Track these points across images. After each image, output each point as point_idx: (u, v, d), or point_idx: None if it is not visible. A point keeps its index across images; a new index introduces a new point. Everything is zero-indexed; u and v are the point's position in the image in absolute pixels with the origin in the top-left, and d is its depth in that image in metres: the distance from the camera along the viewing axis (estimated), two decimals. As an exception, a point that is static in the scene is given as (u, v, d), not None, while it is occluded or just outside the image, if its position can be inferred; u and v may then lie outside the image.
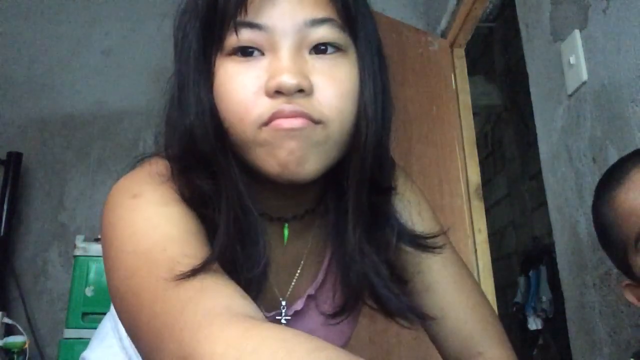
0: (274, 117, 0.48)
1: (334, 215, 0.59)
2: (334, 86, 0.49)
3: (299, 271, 0.61)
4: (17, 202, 2.26)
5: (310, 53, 0.50)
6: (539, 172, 1.39)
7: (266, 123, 0.48)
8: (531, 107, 1.39)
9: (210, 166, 0.51)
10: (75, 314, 1.79)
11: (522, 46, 1.43)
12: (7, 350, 1.91)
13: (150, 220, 0.47)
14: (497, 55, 4.12)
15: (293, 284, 0.61)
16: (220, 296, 0.41)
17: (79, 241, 1.91)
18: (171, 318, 0.40)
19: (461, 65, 2.28)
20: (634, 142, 0.95)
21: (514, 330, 3.42)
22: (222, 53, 0.50)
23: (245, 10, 0.48)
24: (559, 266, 1.26)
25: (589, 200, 1.10)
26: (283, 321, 0.60)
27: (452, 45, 2.27)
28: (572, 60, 1.15)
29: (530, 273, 3.26)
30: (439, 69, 2.22)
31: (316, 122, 0.48)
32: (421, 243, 0.60)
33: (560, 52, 1.20)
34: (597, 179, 1.06)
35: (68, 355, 1.75)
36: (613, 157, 1.01)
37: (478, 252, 2.05)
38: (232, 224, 0.50)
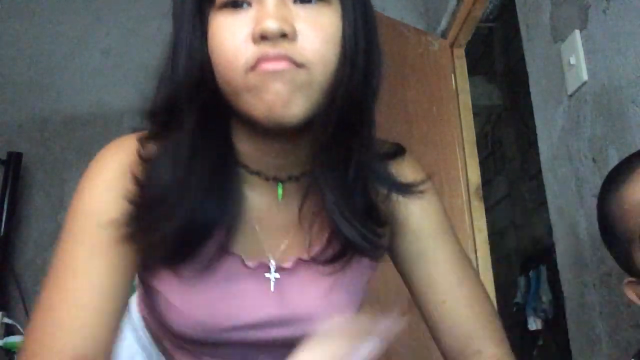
0: (259, 61, 0.50)
1: (328, 175, 0.58)
2: (316, 32, 0.52)
3: (291, 233, 0.62)
4: (17, 202, 2.26)
5: (295, 2, 0.52)
6: (539, 172, 1.39)
7: (252, 67, 0.50)
8: (531, 107, 1.39)
9: (180, 118, 0.55)
10: (75, 314, 1.79)
11: (522, 46, 1.43)
12: (7, 350, 1.91)
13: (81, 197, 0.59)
14: (497, 55, 4.11)
15: (284, 244, 0.62)
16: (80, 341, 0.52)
17: (79, 241, 1.91)
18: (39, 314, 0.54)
19: (461, 65, 2.27)
20: (634, 142, 0.95)
21: (514, 330, 3.42)
22: (214, 8, 0.53)
23: None
24: (559, 266, 1.26)
25: (589, 200, 1.10)
26: (272, 278, 0.61)
27: (452, 46, 2.27)
28: (572, 60, 1.15)
29: (530, 273, 3.26)
30: (439, 69, 2.22)
31: (299, 65, 0.50)
32: (405, 188, 0.62)
33: (560, 53, 1.20)
34: (597, 179, 1.06)
35: (68, 355, 1.75)
36: (613, 157, 1.01)
37: (478, 252, 2.04)
38: (208, 174, 0.54)
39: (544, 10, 1.28)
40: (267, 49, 0.50)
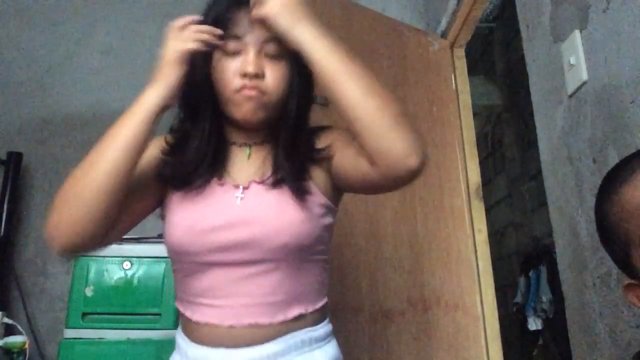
0: (242, 88, 0.87)
1: (274, 143, 0.96)
2: (276, 76, 0.89)
3: (255, 170, 0.95)
4: (17, 202, 2.26)
5: (265, 57, 0.89)
6: (539, 172, 1.40)
7: (238, 91, 0.87)
8: (531, 107, 1.39)
9: (197, 113, 0.93)
10: (75, 314, 1.79)
11: (522, 46, 1.43)
12: (7, 350, 1.91)
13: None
14: (497, 55, 4.12)
15: (247, 177, 0.94)
16: None
17: (79, 241, 1.91)
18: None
19: (461, 65, 2.28)
20: (634, 142, 0.95)
21: (514, 330, 3.42)
22: (219, 51, 0.90)
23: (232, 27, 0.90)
24: (559, 266, 1.26)
25: (589, 200, 1.10)
26: (239, 193, 0.90)
27: (452, 46, 2.27)
28: (572, 60, 1.15)
29: (530, 273, 3.26)
30: (439, 69, 2.22)
31: (263, 93, 0.88)
32: (316, 154, 0.94)
33: (560, 52, 1.20)
34: (597, 179, 1.06)
35: (68, 355, 1.74)
36: (613, 158, 1.02)
37: (478, 252, 2.05)
38: (206, 140, 0.92)
39: (544, 10, 1.28)
40: (246, 82, 0.87)
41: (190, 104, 0.93)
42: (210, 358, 0.86)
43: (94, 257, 1.85)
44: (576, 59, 1.13)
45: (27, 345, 1.96)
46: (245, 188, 0.91)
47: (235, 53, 0.88)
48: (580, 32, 1.12)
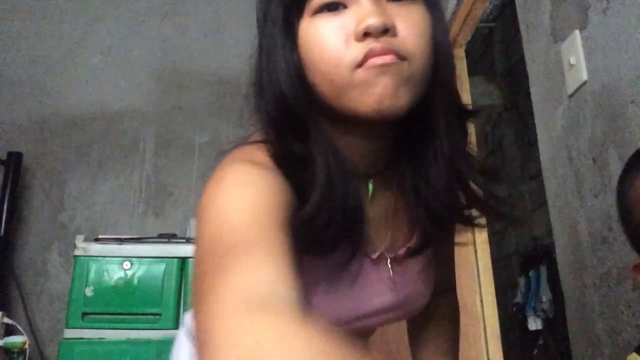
0: (367, 56, 0.53)
1: (410, 165, 0.63)
2: (412, 28, 0.55)
3: (388, 227, 0.67)
4: (17, 202, 2.26)
5: (387, 1, 0.56)
6: (539, 172, 1.39)
7: (360, 64, 0.53)
8: (531, 107, 1.39)
9: (303, 127, 0.57)
10: (75, 314, 1.79)
11: (522, 46, 1.43)
12: (7, 350, 1.91)
13: (227, 204, 0.49)
14: (497, 55, 4.12)
15: (388, 236, 0.66)
16: (255, 280, 0.41)
17: (79, 241, 1.91)
18: (204, 297, 0.41)
19: (461, 65, 2.27)
20: (634, 142, 0.95)
21: (514, 330, 3.42)
22: (307, 15, 0.56)
23: None
24: (559, 266, 1.26)
25: (589, 200, 1.10)
26: (389, 268, 0.66)
27: (452, 46, 2.27)
28: (572, 60, 1.15)
29: (530, 273, 3.26)
30: (439, 69, 2.22)
31: (403, 58, 0.54)
32: (491, 174, 0.65)
33: (560, 53, 1.20)
34: (597, 179, 1.06)
35: (68, 355, 1.75)
36: (613, 157, 1.01)
37: (478, 252, 2.04)
38: (328, 181, 0.55)
39: (544, 10, 1.28)
40: (373, 44, 0.53)
41: (279, 118, 0.58)
42: None
43: (94, 257, 1.86)
44: (576, 59, 1.13)
45: (27, 345, 1.96)
46: (393, 258, 0.67)
47: (334, 7, 0.55)
48: (580, 32, 1.12)
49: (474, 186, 0.62)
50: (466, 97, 2.24)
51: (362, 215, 0.59)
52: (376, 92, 0.53)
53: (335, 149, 0.57)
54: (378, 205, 0.65)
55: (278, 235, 0.47)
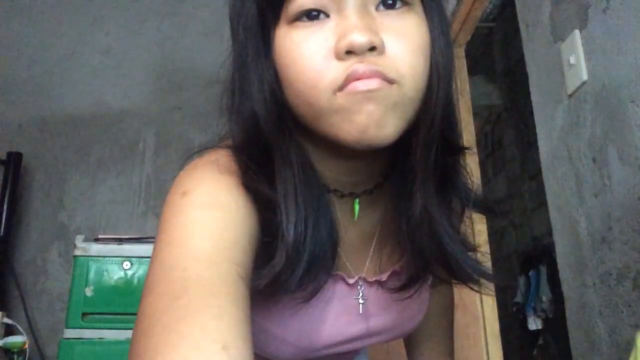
0: (348, 79, 0.45)
1: (401, 184, 0.56)
2: (405, 42, 0.47)
3: (372, 248, 0.61)
4: (17, 202, 2.26)
5: (377, 9, 0.48)
6: (539, 172, 1.39)
7: (341, 87, 0.46)
8: (531, 107, 1.39)
9: (271, 162, 0.50)
10: (75, 314, 1.79)
11: (522, 46, 1.43)
12: (7, 350, 1.91)
13: (187, 228, 0.45)
14: (497, 55, 4.12)
15: (368, 261, 0.61)
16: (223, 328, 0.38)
17: (79, 241, 1.91)
18: (165, 336, 0.38)
19: (461, 65, 2.27)
20: (634, 142, 0.95)
21: (514, 330, 3.42)
22: (283, 23, 0.48)
23: None
24: (559, 266, 1.26)
25: (589, 200, 1.10)
26: (361, 301, 0.60)
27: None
28: (572, 60, 1.15)
29: (530, 273, 3.26)
30: (439, 69, 2.22)
31: (391, 81, 0.46)
32: (490, 207, 0.61)
33: (560, 52, 1.20)
34: (597, 179, 1.06)
35: (68, 355, 1.75)
36: (613, 157, 1.01)
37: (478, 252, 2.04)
38: (295, 241, 0.48)
39: (544, 10, 1.28)
40: (356, 65, 0.45)
41: (247, 143, 0.51)
42: None
43: (93, 257, 1.86)
44: (576, 58, 1.13)
45: (27, 345, 1.96)
46: (361, 281, 0.61)
47: (314, 15, 0.47)
48: (580, 32, 1.12)
49: (451, 247, 0.54)
50: (466, 97, 2.24)
51: (332, 262, 0.53)
52: (359, 121, 0.45)
53: (309, 184, 0.51)
54: (363, 225, 0.60)
55: (237, 282, 0.42)
